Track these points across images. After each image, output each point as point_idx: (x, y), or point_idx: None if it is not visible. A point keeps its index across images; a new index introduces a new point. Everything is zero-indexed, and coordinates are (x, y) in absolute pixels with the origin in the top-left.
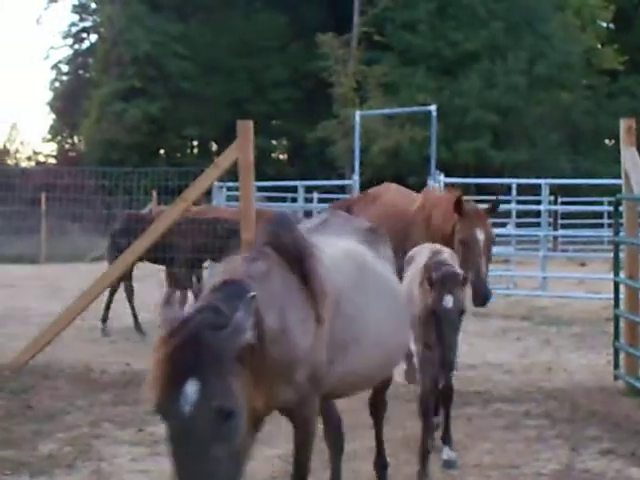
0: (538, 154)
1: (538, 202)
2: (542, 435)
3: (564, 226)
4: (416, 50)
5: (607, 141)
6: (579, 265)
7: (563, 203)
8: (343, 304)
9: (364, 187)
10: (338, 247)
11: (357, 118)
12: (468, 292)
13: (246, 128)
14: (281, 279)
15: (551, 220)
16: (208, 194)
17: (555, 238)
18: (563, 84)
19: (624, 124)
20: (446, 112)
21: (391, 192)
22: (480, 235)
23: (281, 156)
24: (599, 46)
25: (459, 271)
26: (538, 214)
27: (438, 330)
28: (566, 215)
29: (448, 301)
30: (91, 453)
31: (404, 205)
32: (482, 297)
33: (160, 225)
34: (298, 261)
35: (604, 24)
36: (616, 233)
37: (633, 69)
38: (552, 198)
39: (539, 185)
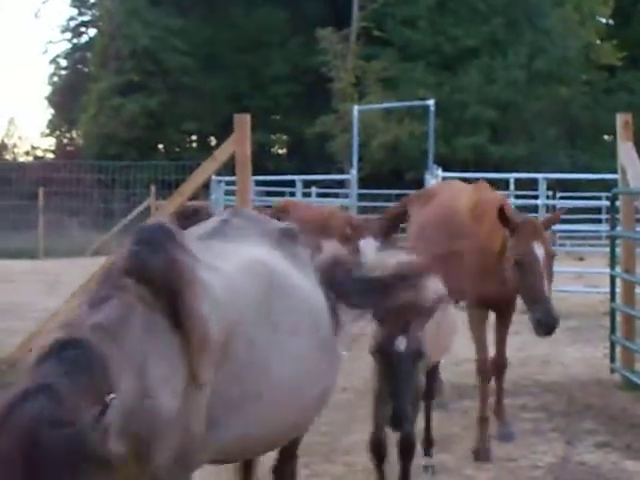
0: (537, 149)
1: (536, 197)
2: (538, 428)
3: (562, 221)
4: (416, 45)
5: (605, 136)
6: (577, 259)
7: (561, 198)
8: (238, 345)
9: (363, 182)
10: (239, 258)
11: (355, 113)
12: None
13: (243, 122)
14: (142, 325)
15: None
16: (206, 188)
17: (554, 233)
18: (562, 79)
19: (620, 119)
20: (445, 107)
21: (448, 188)
22: (539, 251)
23: (280, 151)
24: (598, 41)
25: (426, 297)
26: (536, 209)
27: (386, 376)
28: (567, 210)
29: (400, 343)
30: None
31: (457, 205)
32: (547, 327)
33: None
34: (170, 295)
35: (603, 20)
36: (612, 227)
37: (631, 65)
38: (550, 193)
39: (537, 180)
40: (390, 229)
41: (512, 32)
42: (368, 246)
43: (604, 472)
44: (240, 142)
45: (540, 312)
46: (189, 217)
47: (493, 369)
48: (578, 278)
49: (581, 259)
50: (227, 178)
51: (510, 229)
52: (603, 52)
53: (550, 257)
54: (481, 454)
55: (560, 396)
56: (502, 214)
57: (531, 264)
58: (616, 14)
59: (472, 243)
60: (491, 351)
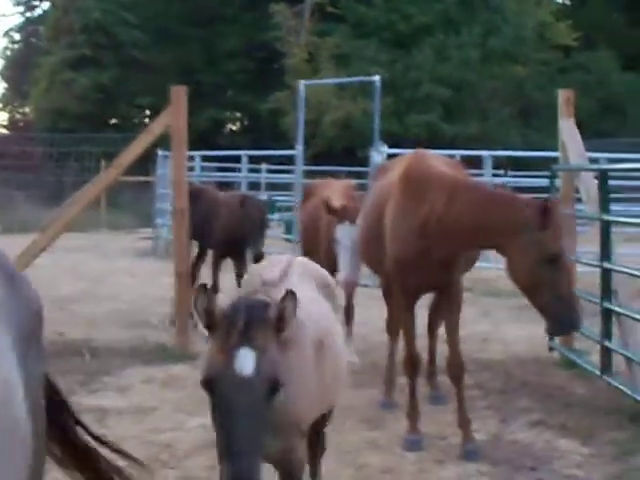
0: (490, 128)
1: (482, 175)
2: (473, 406)
3: None
4: (369, 22)
5: None
6: None
7: (513, 176)
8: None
9: (315, 158)
10: None
11: (302, 88)
12: None
13: (179, 94)
14: None
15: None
16: (153, 163)
17: None
18: (516, 58)
19: (562, 95)
20: (398, 85)
21: (398, 161)
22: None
23: (234, 127)
24: (553, 21)
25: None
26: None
27: (222, 417)
28: (518, 189)
29: (241, 365)
30: None
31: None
32: (574, 324)
33: (90, 192)
34: None
35: (559, 0)
36: None
37: (587, 45)
38: (502, 172)
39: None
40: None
41: (466, 10)
42: (344, 232)
43: (536, 450)
44: (176, 115)
45: (569, 312)
46: (194, 199)
47: (449, 372)
48: None
49: None
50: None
51: (544, 224)
52: (558, 32)
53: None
54: (408, 444)
55: (497, 374)
56: (548, 213)
57: (564, 263)
58: None
59: (396, 215)
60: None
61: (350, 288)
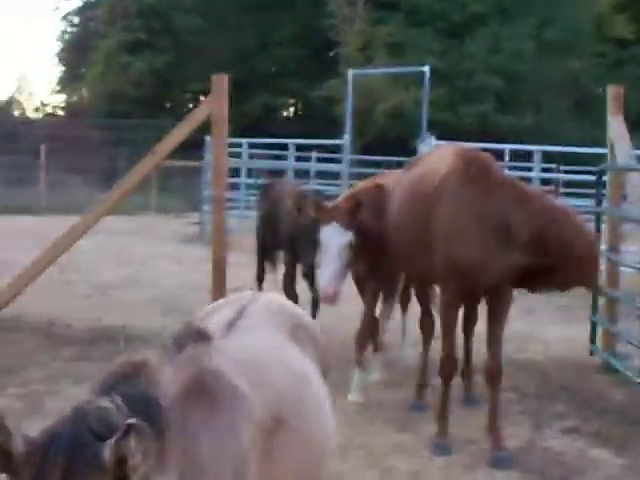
0: (544, 120)
1: (531, 169)
2: (507, 410)
3: (567, 195)
4: (423, 11)
5: None
6: None
7: (566, 172)
8: None
9: (367, 147)
10: None
11: (350, 77)
12: None
13: (221, 82)
14: None
15: (552, 188)
16: (200, 149)
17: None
18: (572, 50)
19: (611, 91)
20: (452, 75)
21: (433, 152)
22: None
23: (287, 114)
24: (610, 14)
25: None
26: (530, 181)
27: None
28: (570, 184)
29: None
30: (41, 409)
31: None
32: None
33: (131, 180)
34: None
35: None
36: (598, 203)
37: None
38: (554, 166)
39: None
40: (357, 212)
41: (522, 1)
42: (330, 234)
43: (568, 459)
44: (217, 103)
45: None
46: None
47: (485, 375)
48: None
49: None
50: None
51: None
52: (615, 24)
53: None
54: (437, 449)
55: (534, 376)
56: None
57: None
58: None
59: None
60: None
61: (330, 302)
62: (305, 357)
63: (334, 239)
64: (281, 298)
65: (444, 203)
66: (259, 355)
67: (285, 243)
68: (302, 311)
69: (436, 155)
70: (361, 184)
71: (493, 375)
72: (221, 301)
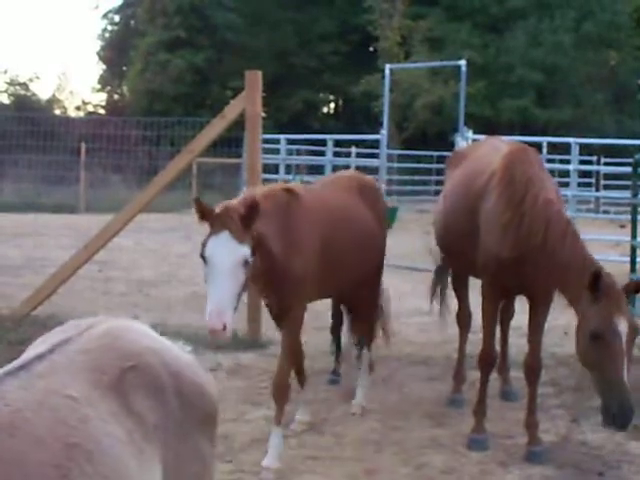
0: (583, 113)
1: (569, 161)
2: (545, 404)
3: (605, 187)
4: (463, 5)
5: None
6: (619, 227)
7: (606, 164)
8: None
9: (407, 142)
10: None
11: (387, 72)
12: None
13: (254, 79)
14: None
15: (593, 181)
16: (238, 147)
17: (597, 199)
18: (610, 44)
19: None
20: (491, 69)
21: (482, 146)
22: (622, 327)
23: (327, 110)
24: None
25: None
26: (568, 174)
27: None
28: (612, 176)
29: None
30: None
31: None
32: (622, 423)
33: (165, 177)
34: None
35: None
36: (634, 195)
37: None
38: (595, 158)
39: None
40: (253, 218)
41: None
42: (220, 247)
43: (605, 454)
44: (251, 99)
45: (615, 403)
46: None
47: (524, 370)
48: (615, 246)
49: (622, 227)
50: (265, 136)
51: (595, 296)
52: None
53: (634, 333)
54: (473, 444)
55: (573, 371)
56: (597, 280)
57: (612, 342)
58: None
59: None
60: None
61: (220, 336)
62: (123, 417)
63: (225, 254)
64: (130, 328)
65: (488, 200)
66: (22, 418)
67: None
68: (159, 348)
69: (488, 149)
70: (269, 187)
71: (533, 370)
72: (60, 328)
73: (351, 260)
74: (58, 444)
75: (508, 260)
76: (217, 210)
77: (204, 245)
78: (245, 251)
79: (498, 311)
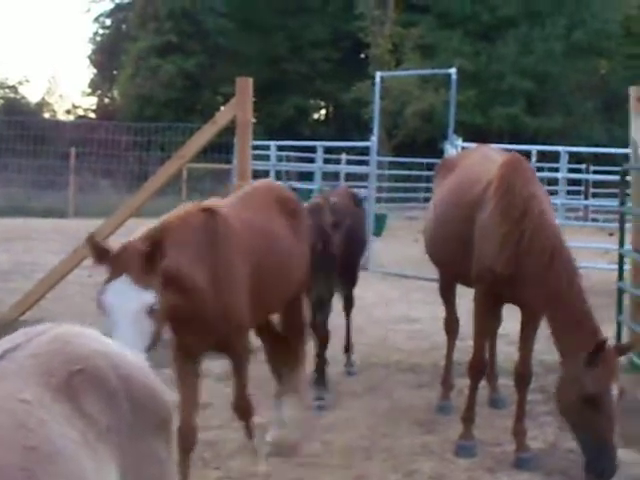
0: (573, 122)
1: (558, 169)
2: (533, 411)
3: (594, 195)
4: (454, 13)
5: None
6: (608, 235)
7: (595, 172)
8: None
9: (396, 149)
10: None
11: (378, 79)
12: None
13: (245, 85)
14: None
15: (582, 189)
16: (228, 153)
17: (586, 207)
18: (601, 52)
19: (634, 92)
20: (482, 77)
21: (473, 154)
22: (616, 391)
23: (318, 116)
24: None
25: None
26: (557, 182)
27: None
28: (601, 184)
29: None
30: None
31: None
32: (609, 475)
33: (155, 183)
34: None
35: None
36: (622, 203)
37: None
38: (584, 166)
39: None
40: (158, 259)
41: (551, 3)
42: (119, 295)
43: None
44: (241, 105)
45: (604, 463)
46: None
47: (515, 377)
48: (604, 254)
49: (611, 234)
50: (255, 142)
51: (592, 361)
52: None
53: (622, 396)
54: (461, 451)
55: None
56: (600, 350)
57: (607, 407)
58: None
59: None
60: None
61: None
62: (76, 419)
63: (125, 303)
64: (80, 333)
65: (484, 210)
66: None
67: None
68: (108, 352)
69: (480, 158)
70: (184, 208)
71: (523, 378)
72: (9, 337)
73: (278, 284)
74: (20, 447)
75: (503, 274)
76: (116, 250)
77: (101, 293)
78: (149, 298)
79: (490, 320)
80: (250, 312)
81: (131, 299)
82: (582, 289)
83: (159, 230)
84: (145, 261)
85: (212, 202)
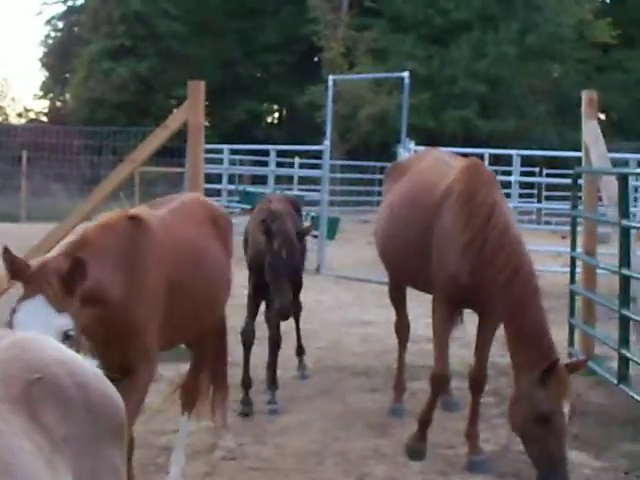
0: (526, 125)
1: (510, 173)
2: (486, 414)
3: (547, 198)
4: (407, 17)
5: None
6: (560, 238)
7: (548, 175)
8: None
9: (349, 153)
10: None
11: (330, 83)
12: None
13: (197, 88)
14: None
15: (535, 192)
16: (180, 157)
17: (539, 210)
18: (554, 56)
19: (585, 96)
20: (435, 81)
21: (427, 157)
22: (567, 408)
23: (271, 120)
24: (592, 19)
25: None
26: (509, 185)
27: None
28: (554, 188)
29: None
30: None
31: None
32: None
33: (107, 187)
34: None
35: None
36: (574, 207)
37: (625, 43)
38: (537, 170)
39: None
40: (78, 278)
41: (504, 7)
42: (33, 317)
43: None
44: (193, 109)
45: (558, 477)
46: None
47: (470, 381)
48: (557, 257)
49: (564, 237)
50: (208, 146)
51: (544, 379)
52: (597, 30)
53: (574, 412)
54: (413, 454)
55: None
56: (550, 372)
57: (559, 424)
58: None
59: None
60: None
61: None
62: (32, 431)
63: (38, 327)
64: (37, 340)
65: (444, 216)
66: None
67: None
68: (65, 359)
69: (434, 162)
70: (111, 214)
71: (478, 383)
72: None
73: (202, 303)
74: None
75: (466, 283)
76: (34, 267)
77: (13, 312)
78: (64, 322)
79: (450, 328)
80: (164, 334)
81: (43, 323)
82: (541, 305)
83: (80, 244)
84: (63, 281)
85: (141, 210)
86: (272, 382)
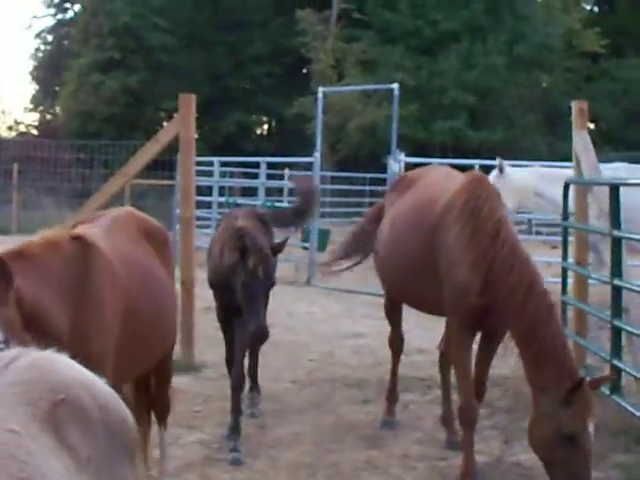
0: (515, 135)
1: None
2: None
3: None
4: (396, 28)
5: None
6: (551, 248)
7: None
8: None
9: (340, 164)
10: None
11: (320, 94)
12: None
13: (188, 102)
14: None
15: None
16: (172, 170)
17: (530, 220)
18: (542, 66)
19: (576, 106)
20: (424, 91)
21: (431, 173)
22: (592, 427)
23: (260, 132)
24: (581, 29)
25: None
26: None
27: None
28: None
29: None
30: None
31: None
32: None
33: (98, 200)
34: None
35: (587, 7)
36: (565, 218)
37: (614, 53)
38: None
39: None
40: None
41: (493, 17)
42: None
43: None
44: (184, 122)
45: None
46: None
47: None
48: (548, 267)
49: (554, 247)
50: (199, 158)
51: (569, 399)
52: (586, 39)
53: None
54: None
55: (506, 392)
56: (578, 388)
57: (585, 444)
58: (600, 1)
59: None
60: None
61: None
62: (60, 451)
63: None
64: (56, 360)
65: (447, 234)
66: None
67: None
68: (86, 381)
69: (440, 176)
70: (50, 232)
71: (477, 395)
72: None
73: (154, 327)
74: (13, 478)
75: (477, 303)
76: None
77: None
78: None
79: (470, 354)
80: (118, 368)
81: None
82: (558, 321)
83: (15, 253)
84: None
85: (83, 230)
86: (234, 429)
